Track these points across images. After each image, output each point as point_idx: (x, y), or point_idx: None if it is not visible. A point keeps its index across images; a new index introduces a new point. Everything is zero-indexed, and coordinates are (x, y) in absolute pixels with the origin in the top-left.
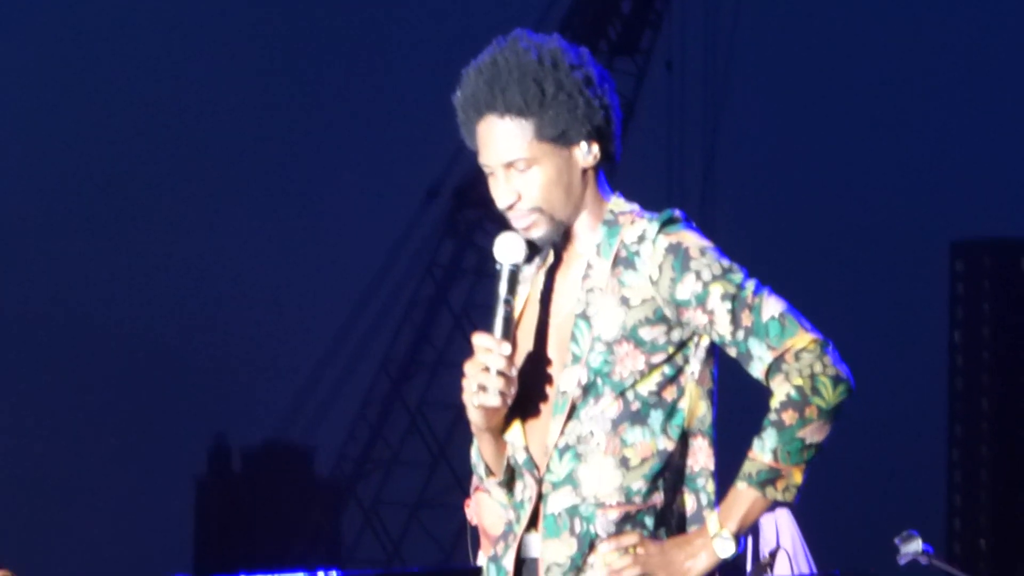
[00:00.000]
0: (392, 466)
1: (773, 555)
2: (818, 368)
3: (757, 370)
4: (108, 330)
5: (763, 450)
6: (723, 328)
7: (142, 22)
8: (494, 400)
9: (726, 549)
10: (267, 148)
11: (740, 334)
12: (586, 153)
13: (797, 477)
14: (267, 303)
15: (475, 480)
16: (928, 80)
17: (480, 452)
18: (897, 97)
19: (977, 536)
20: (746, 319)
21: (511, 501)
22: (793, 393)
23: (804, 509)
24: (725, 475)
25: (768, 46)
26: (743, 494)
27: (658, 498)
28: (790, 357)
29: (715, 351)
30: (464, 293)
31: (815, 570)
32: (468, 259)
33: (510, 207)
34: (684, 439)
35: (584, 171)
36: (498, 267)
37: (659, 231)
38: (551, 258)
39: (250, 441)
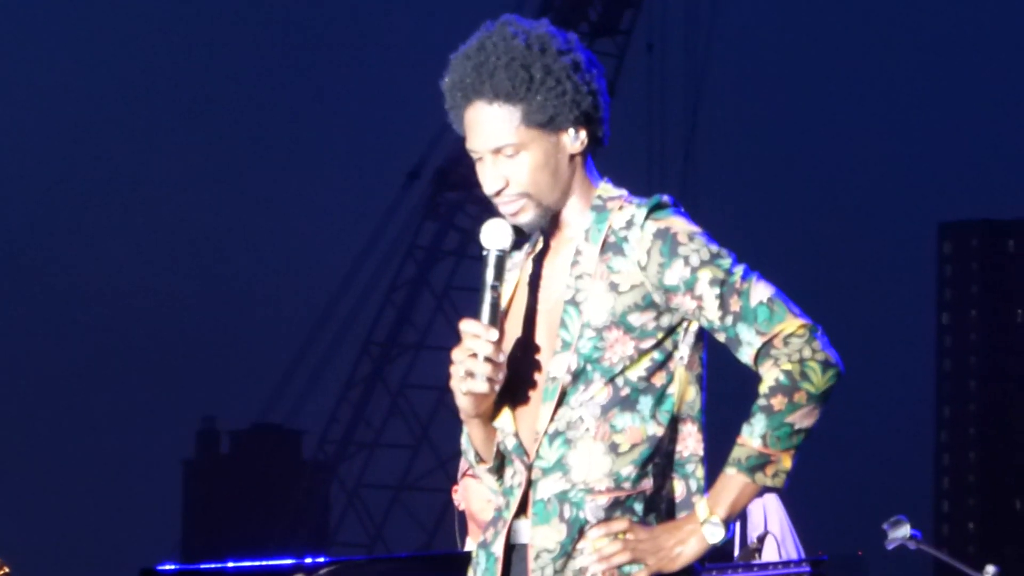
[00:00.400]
0: (374, 448)
1: (761, 540)
2: (807, 353)
3: (746, 355)
4: (97, 317)
5: (752, 435)
6: (712, 313)
7: (131, 16)
8: (482, 386)
9: (715, 535)
10: (249, 132)
11: (729, 319)
12: (574, 139)
13: (786, 462)
14: (252, 287)
15: (463, 465)
16: (915, 62)
17: (470, 438)
18: (884, 78)
19: (965, 518)
20: (735, 304)
21: (501, 487)
22: (782, 378)
23: (792, 493)
24: (715, 461)
25: (748, 26)
26: (732, 480)
27: (647, 484)
28: (779, 342)
29: (704, 337)
30: (446, 274)
31: (803, 555)
32: (449, 240)
33: (498, 193)
34: (674, 425)
35: (572, 157)
36: (485, 253)
37: (647, 216)
38: (540, 244)
39: (238, 424)
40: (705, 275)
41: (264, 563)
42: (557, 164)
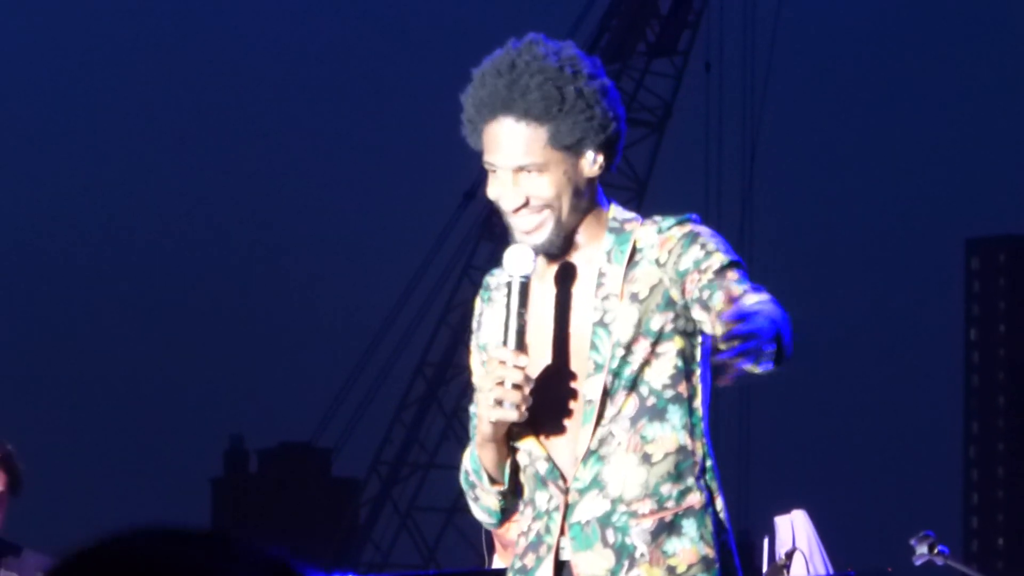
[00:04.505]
0: (428, 470)
1: (789, 556)
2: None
3: (717, 299)
4: (129, 332)
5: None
6: (707, 277)
7: (195, 44)
8: (512, 414)
9: None
10: (304, 151)
11: (718, 280)
12: (592, 162)
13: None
14: (301, 305)
15: None
16: (949, 80)
17: (480, 460)
18: (919, 96)
19: (995, 534)
20: (732, 275)
21: (500, 505)
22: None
23: (820, 509)
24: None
25: (805, 47)
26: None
27: (695, 499)
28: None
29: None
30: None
31: (831, 571)
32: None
33: (516, 210)
34: (709, 444)
35: (590, 180)
36: (508, 280)
37: (673, 225)
38: (547, 270)
39: (266, 443)
40: (718, 258)
41: None
42: (578, 186)
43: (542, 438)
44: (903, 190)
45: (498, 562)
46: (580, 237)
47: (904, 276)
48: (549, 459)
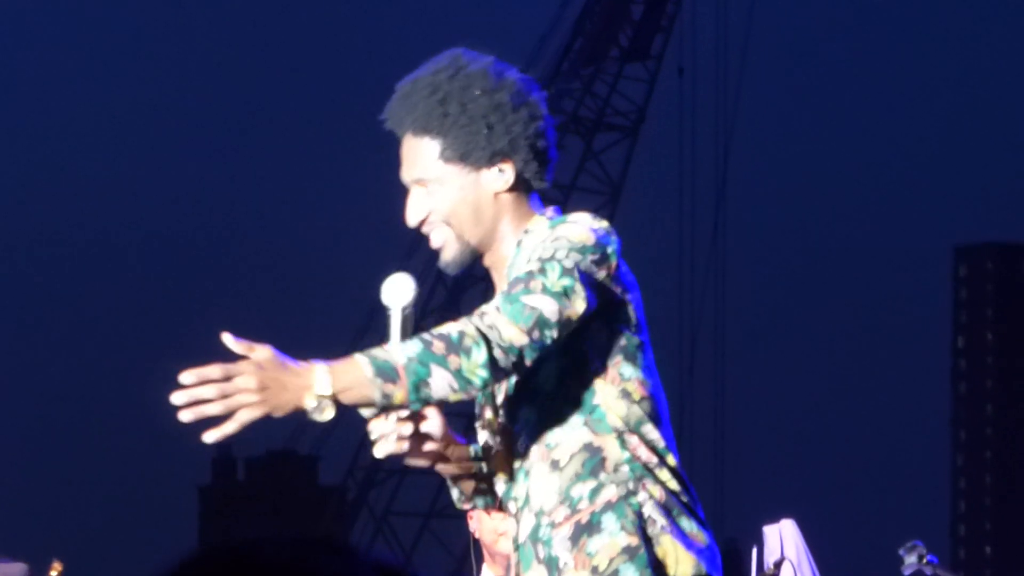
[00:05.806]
0: (404, 475)
1: (778, 565)
2: (493, 335)
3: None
4: (116, 338)
5: (402, 351)
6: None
7: (181, 50)
8: (390, 447)
9: (312, 404)
10: (277, 156)
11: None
12: (496, 176)
13: (400, 396)
14: (275, 311)
15: None
16: (933, 86)
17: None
18: (902, 102)
19: (982, 542)
20: (533, 272)
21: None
22: (455, 335)
23: (809, 519)
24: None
25: (779, 51)
26: (358, 366)
27: (611, 493)
28: (490, 314)
29: (628, 353)
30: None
31: None
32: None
33: (420, 224)
34: (620, 438)
35: (496, 194)
36: (388, 312)
37: (549, 225)
38: None
39: (254, 451)
40: (522, 269)
41: None
42: (478, 200)
43: (501, 462)
44: (890, 197)
45: (487, 572)
46: (503, 252)
47: (892, 283)
48: (507, 483)
